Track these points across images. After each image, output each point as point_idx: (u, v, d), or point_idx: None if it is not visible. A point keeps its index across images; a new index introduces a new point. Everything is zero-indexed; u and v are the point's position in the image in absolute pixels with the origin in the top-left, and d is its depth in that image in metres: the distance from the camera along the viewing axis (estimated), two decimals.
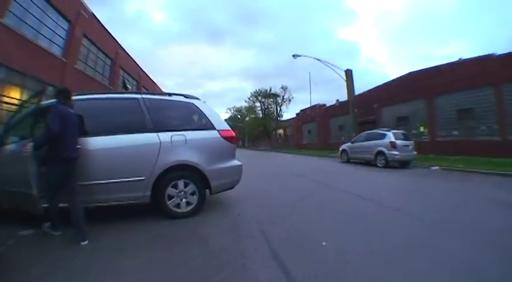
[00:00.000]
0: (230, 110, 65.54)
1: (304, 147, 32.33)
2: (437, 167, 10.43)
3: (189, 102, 4.13)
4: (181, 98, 4.21)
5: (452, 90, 14.64)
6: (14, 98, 10.58)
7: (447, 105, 15.16)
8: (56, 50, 13.34)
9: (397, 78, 19.31)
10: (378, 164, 11.00)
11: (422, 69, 16.94)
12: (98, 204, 3.55)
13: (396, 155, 10.51)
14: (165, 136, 3.72)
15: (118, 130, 3.63)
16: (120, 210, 4.03)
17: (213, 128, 4.03)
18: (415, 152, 11.26)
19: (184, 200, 3.77)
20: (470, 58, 14.36)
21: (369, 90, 22.14)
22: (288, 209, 4.35)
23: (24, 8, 10.96)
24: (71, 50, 14.22)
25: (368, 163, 11.91)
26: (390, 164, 10.72)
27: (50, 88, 12.68)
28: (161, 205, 3.70)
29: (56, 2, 12.63)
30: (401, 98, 18.27)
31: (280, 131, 46.59)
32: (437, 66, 15.96)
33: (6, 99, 10.17)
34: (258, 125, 48.67)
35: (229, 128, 4.27)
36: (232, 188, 4.34)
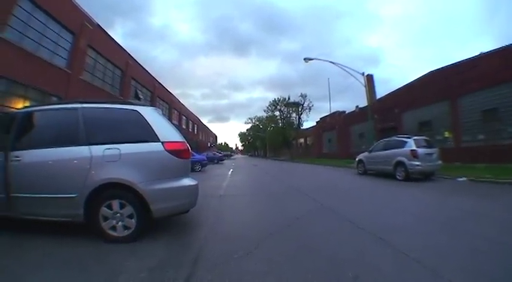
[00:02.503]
0: (251, 120, 65.66)
1: (324, 157, 31.26)
2: (464, 178, 9.12)
3: (131, 110, 3.60)
4: (125, 106, 3.69)
5: (476, 88, 13.20)
6: (16, 108, 10.56)
7: (471, 105, 13.70)
8: (60, 62, 13.42)
9: (417, 79, 17.94)
10: (398, 177, 9.64)
11: (442, 67, 15.56)
12: (34, 217, 3.43)
13: (418, 165, 9.11)
14: (97, 149, 3.33)
15: (51, 143, 3.44)
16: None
17: (157, 139, 3.45)
18: (439, 161, 9.83)
19: (120, 223, 3.30)
20: (491, 50, 12.93)
21: (389, 94, 20.86)
22: (246, 248, 3.07)
23: (25, 22, 11.02)
24: (76, 61, 14.28)
25: (387, 175, 10.49)
26: (411, 176, 9.30)
27: (55, 99, 12.74)
28: (95, 226, 3.31)
29: (58, 15, 12.75)
30: (423, 101, 16.91)
31: (301, 140, 45.45)
32: (457, 62, 14.57)
33: (6, 109, 10.11)
34: (278, 135, 47.43)
35: (180, 140, 3.65)
36: (186, 212, 3.76)
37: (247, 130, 77.04)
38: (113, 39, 18.37)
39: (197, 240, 3.41)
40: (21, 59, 10.74)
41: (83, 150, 3.33)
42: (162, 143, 3.43)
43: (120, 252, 2.96)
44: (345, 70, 17.12)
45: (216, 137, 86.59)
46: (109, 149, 3.33)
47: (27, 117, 3.71)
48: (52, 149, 3.39)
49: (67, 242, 3.31)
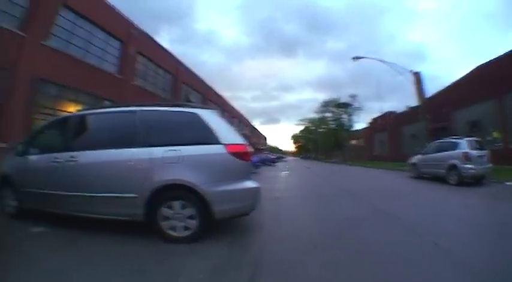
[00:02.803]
0: (303, 122, 64.70)
1: (375, 159, 30.25)
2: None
3: (191, 113, 3.69)
4: (182, 108, 3.80)
5: None
6: (68, 112, 11.38)
7: None
8: (110, 68, 14.19)
9: (466, 74, 16.78)
10: (450, 181, 8.96)
11: (490, 61, 14.36)
12: (94, 216, 3.64)
13: (471, 169, 8.48)
14: (156, 151, 3.43)
15: (110, 144, 3.61)
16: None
17: (218, 142, 3.48)
18: (490, 164, 9.23)
19: (181, 223, 3.38)
20: None
21: (438, 92, 19.76)
22: (304, 251, 3.12)
23: (68, 31, 11.79)
24: (126, 67, 15.07)
25: (439, 179, 9.75)
26: (464, 181, 8.63)
27: (107, 103, 13.55)
28: (155, 226, 3.41)
29: (103, 24, 13.43)
30: (472, 99, 15.70)
31: (353, 142, 44.61)
32: (499, 56, 13.41)
33: (59, 113, 10.85)
34: (330, 136, 46.81)
35: (242, 142, 3.67)
36: (246, 214, 3.73)
37: (300, 131, 75.71)
38: (161, 45, 19.23)
39: (256, 242, 3.52)
40: (70, 65, 11.48)
41: (141, 152, 3.43)
42: (224, 145, 3.44)
43: (180, 253, 3.01)
44: (392, 68, 16.46)
45: (265, 138, 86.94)
46: (169, 150, 3.39)
47: (84, 119, 4.03)
48: (111, 150, 3.54)
49: (125, 240, 3.42)
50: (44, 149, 4.07)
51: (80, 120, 4.04)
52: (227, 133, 3.62)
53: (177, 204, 3.34)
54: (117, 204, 3.45)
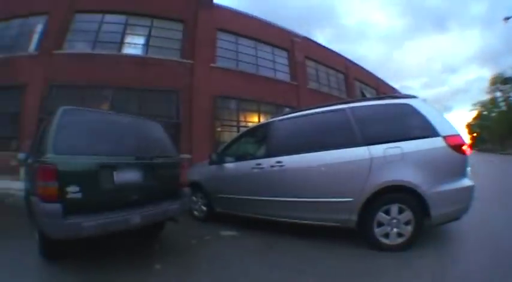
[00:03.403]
0: (475, 107, 53.93)
1: None
2: None
3: (403, 104, 3.36)
4: (394, 100, 3.53)
5: None
6: (251, 122, 12.04)
7: None
8: (283, 76, 14.48)
9: None
10: None
11: None
12: (297, 221, 3.56)
13: None
14: (377, 149, 3.15)
15: (323, 146, 3.46)
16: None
17: (436, 134, 3.07)
18: None
19: (395, 229, 3.07)
20: None
21: None
22: None
23: (233, 50, 12.97)
24: (298, 73, 15.02)
25: None
26: None
27: (287, 109, 13.47)
28: (367, 233, 3.13)
29: (263, 38, 14.21)
30: None
31: None
32: None
33: (242, 124, 11.86)
34: (502, 121, 39.47)
35: (458, 133, 3.17)
36: (458, 218, 3.19)
37: (473, 119, 63.21)
38: (325, 46, 18.48)
39: (466, 253, 3.13)
40: (244, 81, 12.31)
41: (360, 151, 3.21)
42: (443, 137, 3.07)
43: (392, 263, 2.77)
44: None
45: None
46: (390, 148, 3.13)
47: (287, 123, 4.01)
48: (323, 152, 3.39)
49: (326, 247, 3.22)
50: (242, 157, 4.34)
51: (283, 125, 4.01)
52: (443, 122, 3.19)
53: (395, 208, 3.07)
54: (328, 209, 3.31)
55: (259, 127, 4.76)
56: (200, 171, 4.84)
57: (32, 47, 11.04)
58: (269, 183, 3.69)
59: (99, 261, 2.87)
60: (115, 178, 2.74)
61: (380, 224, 3.10)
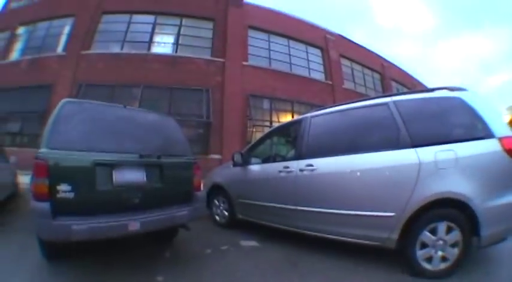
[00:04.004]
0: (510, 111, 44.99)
1: None
2: None
3: (453, 98, 2.75)
4: (442, 93, 2.87)
5: None
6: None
7: None
8: (317, 75, 13.73)
9: None
10: None
11: None
12: (327, 236, 3.04)
13: None
14: (426, 153, 2.56)
15: (361, 147, 2.91)
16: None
17: (490, 135, 2.50)
18: None
19: (440, 252, 2.53)
20: None
21: None
22: None
23: (265, 48, 12.49)
24: (333, 72, 14.19)
25: None
26: None
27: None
28: (408, 255, 2.59)
29: (299, 36, 13.54)
30: None
31: None
32: None
33: (275, 124, 11.04)
34: None
35: None
36: (505, 239, 2.65)
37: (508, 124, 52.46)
38: (360, 44, 17.46)
39: None
40: (277, 79, 11.80)
41: (406, 155, 2.62)
42: (498, 139, 2.48)
43: None
44: None
45: None
46: (442, 151, 2.54)
47: (319, 121, 3.43)
48: (362, 154, 2.86)
49: (358, 270, 2.73)
50: (269, 158, 4.03)
51: (315, 122, 3.43)
52: (497, 121, 2.64)
53: (443, 226, 2.49)
54: (365, 225, 2.76)
55: (289, 125, 4.33)
56: (223, 172, 4.54)
57: (60, 48, 10.99)
58: (298, 189, 3.24)
59: (99, 266, 2.69)
60: (114, 178, 2.49)
61: (423, 246, 2.57)
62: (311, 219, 3.13)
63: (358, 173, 2.85)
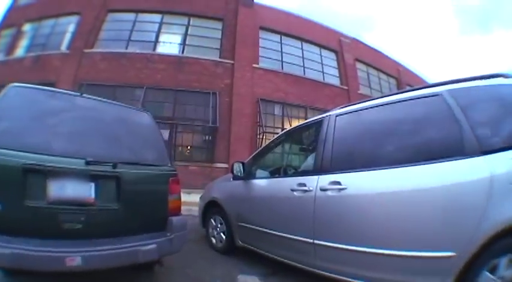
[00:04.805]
0: None
1: None
2: None
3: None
4: (499, 80, 2.08)
5: None
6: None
7: None
8: (332, 80, 13.13)
9: None
10: None
11: None
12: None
13: None
14: (500, 162, 1.79)
15: (405, 157, 2.14)
16: None
17: None
18: None
19: None
20: None
21: None
22: None
23: (277, 50, 12.00)
24: (348, 76, 13.59)
25: None
26: None
27: None
28: None
29: (313, 38, 13.02)
30: None
31: None
32: None
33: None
34: None
35: None
36: None
37: None
38: (376, 48, 16.75)
39: None
40: (289, 83, 11.27)
41: (474, 166, 1.84)
42: None
43: None
44: None
45: None
46: None
47: (346, 120, 2.64)
48: (406, 168, 2.06)
49: None
50: (278, 171, 3.40)
51: (342, 122, 2.61)
52: None
53: (504, 261, 1.72)
54: (408, 270, 2.00)
55: (305, 126, 3.41)
56: (221, 186, 3.86)
57: (64, 46, 10.65)
58: (317, 216, 2.45)
59: None
60: (49, 190, 1.86)
61: None
62: (335, 259, 2.39)
63: (406, 195, 2.12)
